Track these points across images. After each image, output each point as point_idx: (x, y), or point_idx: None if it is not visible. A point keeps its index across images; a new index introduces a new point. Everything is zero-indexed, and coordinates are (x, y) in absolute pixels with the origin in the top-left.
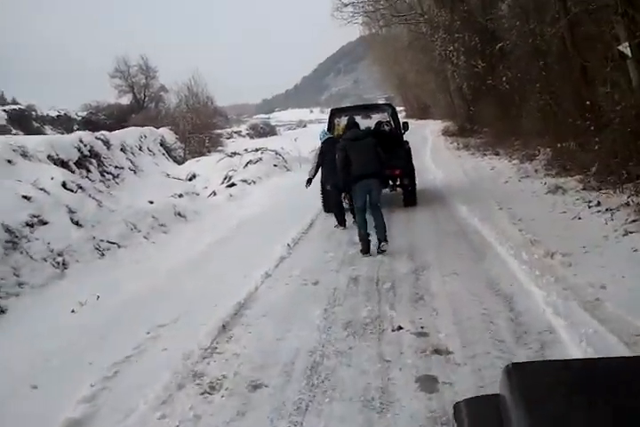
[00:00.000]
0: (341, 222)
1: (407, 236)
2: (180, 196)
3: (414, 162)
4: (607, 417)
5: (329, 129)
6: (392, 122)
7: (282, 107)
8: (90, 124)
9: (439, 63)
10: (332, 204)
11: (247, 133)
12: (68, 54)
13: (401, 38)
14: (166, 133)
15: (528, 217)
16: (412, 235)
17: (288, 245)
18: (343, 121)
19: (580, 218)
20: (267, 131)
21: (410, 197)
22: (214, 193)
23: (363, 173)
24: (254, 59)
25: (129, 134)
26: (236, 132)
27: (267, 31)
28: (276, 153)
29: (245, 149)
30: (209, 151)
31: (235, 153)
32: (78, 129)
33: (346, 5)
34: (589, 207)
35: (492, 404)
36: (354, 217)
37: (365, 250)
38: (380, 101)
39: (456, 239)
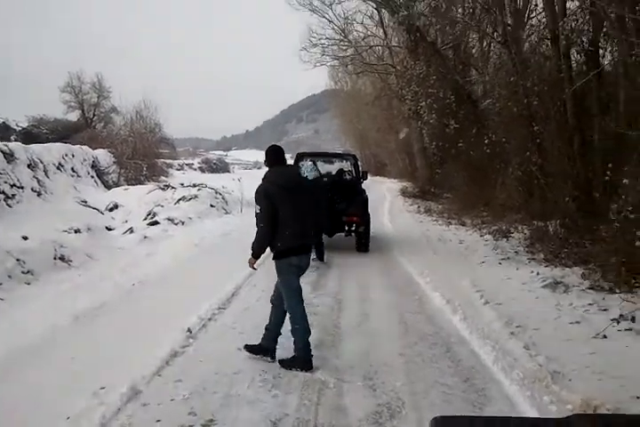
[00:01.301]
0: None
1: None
2: (77, 231)
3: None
4: None
5: None
6: (353, 171)
7: (240, 146)
8: (29, 136)
9: (406, 121)
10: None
11: (199, 167)
12: (21, 64)
13: (365, 94)
14: (102, 155)
15: (529, 324)
16: (372, 358)
17: (188, 330)
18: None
19: (605, 336)
20: (220, 167)
21: (363, 244)
22: (131, 230)
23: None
24: (218, 97)
25: (50, 150)
26: (187, 165)
27: (233, 73)
28: (217, 192)
29: (181, 184)
30: (148, 180)
31: (168, 186)
32: (16, 140)
33: (314, 46)
34: (614, 320)
35: None
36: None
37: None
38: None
39: (435, 359)
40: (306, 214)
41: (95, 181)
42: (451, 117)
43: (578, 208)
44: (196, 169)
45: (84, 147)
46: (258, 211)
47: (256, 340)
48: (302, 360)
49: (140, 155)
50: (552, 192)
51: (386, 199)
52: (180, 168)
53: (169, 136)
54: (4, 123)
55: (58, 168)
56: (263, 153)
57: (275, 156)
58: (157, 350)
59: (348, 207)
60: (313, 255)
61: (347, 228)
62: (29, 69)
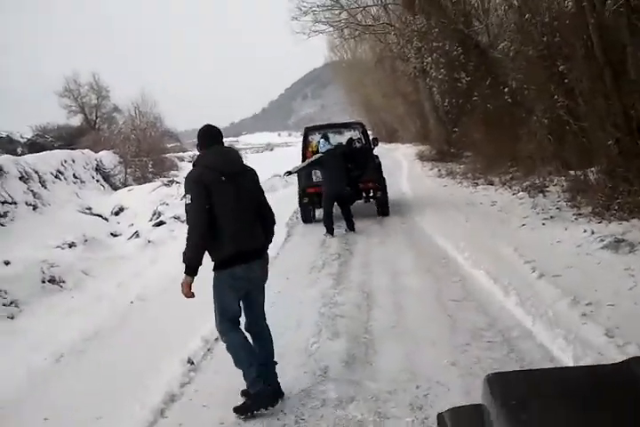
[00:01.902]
0: (330, 231)
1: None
2: (72, 245)
3: (390, 192)
4: (584, 424)
5: (303, 147)
6: (362, 138)
7: (249, 130)
8: (36, 146)
9: (412, 80)
10: (326, 216)
11: None
12: (18, 74)
13: (366, 60)
14: (106, 157)
15: (600, 299)
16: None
17: (189, 361)
18: (316, 138)
19: None
20: None
21: (383, 208)
22: (137, 234)
23: None
24: (222, 84)
25: (45, 159)
26: None
27: (234, 58)
28: None
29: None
30: (157, 176)
31: (172, 181)
32: (23, 152)
33: (305, 14)
34: None
35: (474, 414)
36: (348, 226)
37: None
38: None
39: (497, 365)
40: (251, 209)
41: (101, 185)
42: (460, 70)
43: (620, 151)
44: None
45: (86, 150)
46: (188, 202)
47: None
48: (261, 396)
49: (145, 151)
50: (588, 137)
51: (402, 166)
52: (192, 160)
53: (172, 129)
54: (7, 136)
55: (56, 177)
56: (274, 134)
57: (208, 135)
58: (150, 396)
59: (362, 174)
60: (344, 226)
61: (364, 194)
62: (26, 79)
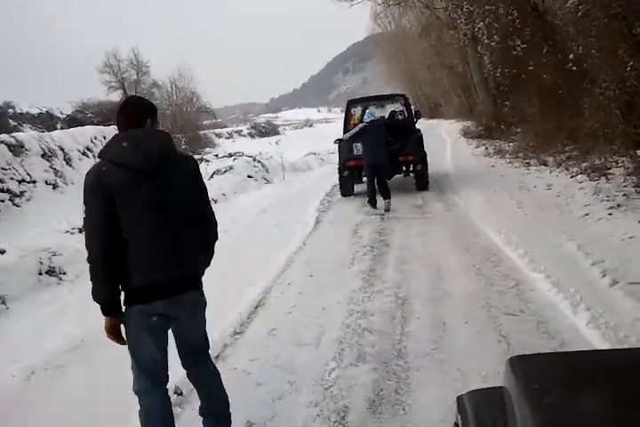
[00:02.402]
0: (373, 203)
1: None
2: (82, 230)
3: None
4: (609, 409)
5: (346, 119)
6: (405, 111)
7: (289, 106)
8: (75, 122)
9: (460, 50)
10: (368, 186)
11: (248, 133)
12: (57, 50)
13: (410, 31)
14: None
15: None
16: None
17: (177, 391)
18: (359, 111)
19: None
20: (269, 130)
21: (422, 182)
22: None
23: None
24: (263, 58)
25: (74, 135)
26: (236, 132)
27: (274, 31)
28: (255, 159)
29: (216, 155)
30: (193, 153)
31: (202, 159)
32: (62, 128)
33: None
34: None
35: (495, 396)
36: (383, 195)
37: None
38: None
39: None
40: (181, 219)
41: None
42: (515, 37)
43: None
44: (245, 135)
45: None
46: (83, 215)
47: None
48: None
49: (180, 128)
50: None
51: (446, 143)
52: (230, 136)
53: (208, 104)
54: (47, 112)
55: (84, 154)
56: (313, 110)
57: (124, 113)
58: None
59: (402, 147)
60: (373, 208)
61: (404, 168)
62: (69, 53)
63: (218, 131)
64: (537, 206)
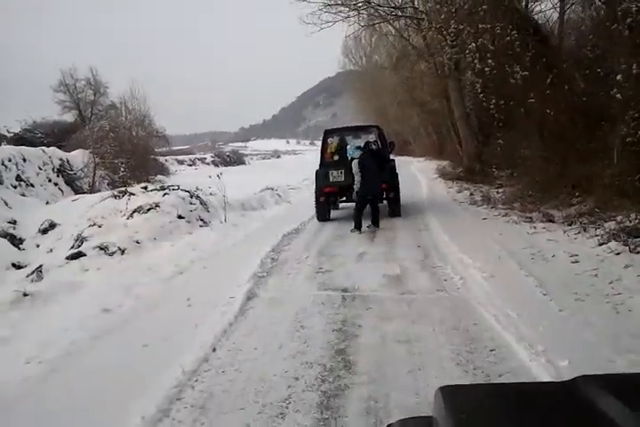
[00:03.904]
0: (358, 227)
1: None
2: None
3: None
4: None
5: (322, 148)
6: (379, 142)
7: (259, 136)
8: (22, 141)
9: (436, 85)
10: (357, 210)
11: (212, 161)
12: (10, 66)
13: (382, 67)
14: (78, 157)
15: None
16: None
17: None
18: (335, 141)
19: None
20: (234, 159)
21: (395, 209)
22: (39, 271)
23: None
24: (234, 87)
25: None
26: (200, 160)
27: (246, 60)
28: (192, 195)
29: (144, 187)
30: (141, 181)
31: (125, 192)
32: None
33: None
34: None
35: (424, 425)
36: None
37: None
38: None
39: None
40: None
41: (60, 189)
42: (514, 63)
43: None
44: (209, 163)
45: (52, 148)
46: None
47: None
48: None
49: (128, 152)
50: None
51: (421, 184)
52: (192, 163)
53: (161, 129)
54: None
55: None
56: (283, 141)
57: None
58: None
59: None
60: (369, 223)
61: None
62: (23, 70)
63: (181, 157)
64: (570, 293)
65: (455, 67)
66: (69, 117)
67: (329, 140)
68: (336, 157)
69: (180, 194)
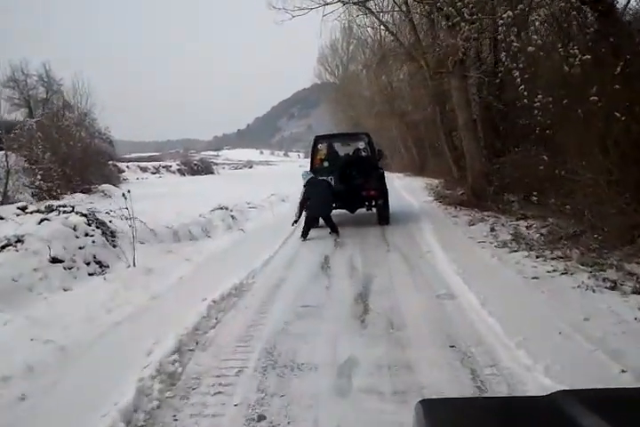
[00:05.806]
0: (305, 235)
1: None
2: None
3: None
4: None
5: (312, 154)
6: (368, 149)
7: (232, 145)
8: None
9: (432, 81)
10: (306, 227)
11: (178, 170)
12: None
13: (360, 79)
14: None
15: None
16: None
17: None
18: (324, 147)
19: None
20: (202, 168)
21: (384, 216)
22: None
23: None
24: (208, 96)
25: None
26: (164, 167)
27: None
28: (90, 221)
29: (22, 208)
30: (78, 190)
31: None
32: None
33: None
34: None
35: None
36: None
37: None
38: None
39: None
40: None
41: None
42: (571, 43)
43: None
44: (174, 171)
45: None
46: None
47: None
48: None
49: (61, 157)
50: None
51: (414, 209)
52: (156, 171)
53: (106, 131)
54: None
55: None
56: (256, 152)
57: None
58: None
59: (365, 182)
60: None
61: (367, 203)
62: None
63: (143, 164)
64: None
65: (461, 60)
66: (18, 116)
67: (319, 146)
68: (326, 164)
69: (70, 220)
